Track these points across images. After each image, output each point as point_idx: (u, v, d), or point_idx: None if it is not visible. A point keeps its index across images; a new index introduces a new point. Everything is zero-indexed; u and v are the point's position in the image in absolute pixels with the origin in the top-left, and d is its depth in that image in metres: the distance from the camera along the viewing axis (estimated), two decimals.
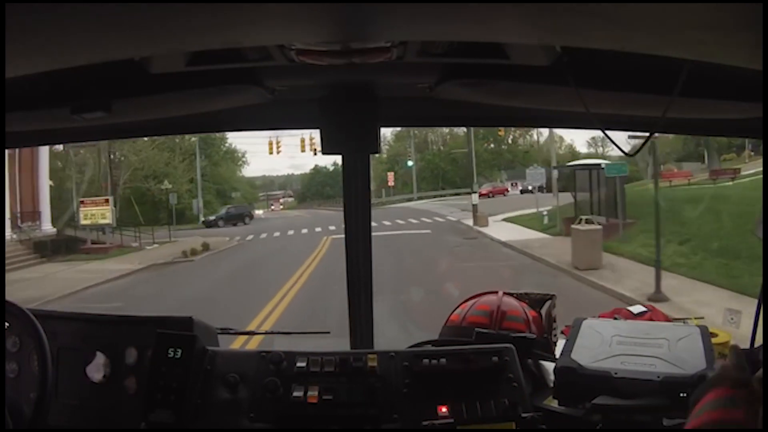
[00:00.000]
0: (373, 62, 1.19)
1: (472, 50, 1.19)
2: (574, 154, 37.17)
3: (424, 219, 25.16)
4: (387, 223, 23.40)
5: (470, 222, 20.99)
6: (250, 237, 23.93)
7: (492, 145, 41.22)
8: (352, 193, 1.74)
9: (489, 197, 30.89)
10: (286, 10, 0.75)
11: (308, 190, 45.79)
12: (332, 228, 21.90)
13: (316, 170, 45.49)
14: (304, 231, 24.03)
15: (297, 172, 49.62)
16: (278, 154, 29.71)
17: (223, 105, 1.56)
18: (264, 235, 24.14)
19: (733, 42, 0.82)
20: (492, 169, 39.15)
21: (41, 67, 0.96)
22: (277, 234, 24.41)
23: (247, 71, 1.33)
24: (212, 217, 30.38)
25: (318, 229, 23.59)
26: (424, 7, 0.74)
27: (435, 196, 37.91)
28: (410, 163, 39.45)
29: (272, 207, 42.26)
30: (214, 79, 1.32)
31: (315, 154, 30.10)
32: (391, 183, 38.16)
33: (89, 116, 1.35)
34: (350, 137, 1.59)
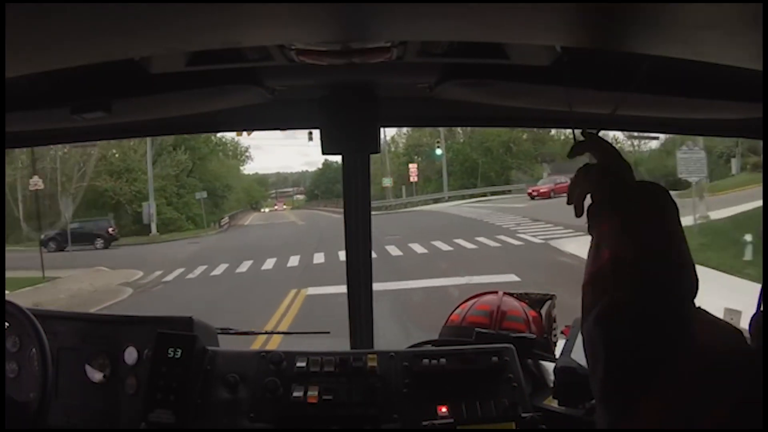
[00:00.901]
0: (373, 62, 1.19)
1: (472, 50, 1.19)
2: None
3: (481, 239, 14.48)
4: (396, 253, 13.64)
5: (574, 247, 11.38)
6: (176, 274, 13.92)
7: (524, 135, 31.46)
8: (352, 193, 1.75)
9: (548, 198, 22.69)
10: (286, 10, 0.75)
11: (317, 187, 41.67)
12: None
13: (326, 165, 40.57)
14: (293, 262, 14.12)
15: (311, 169, 45.99)
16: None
17: (223, 105, 1.56)
18: (198, 272, 13.88)
19: (733, 42, 0.82)
20: (532, 162, 31.24)
21: (41, 67, 0.96)
22: (223, 268, 13.96)
23: (247, 71, 1.32)
24: (45, 235, 19.10)
25: (318, 258, 14.26)
26: (424, 7, 0.74)
27: (470, 196, 29.83)
28: (439, 151, 30.80)
29: (275, 206, 39.99)
30: (214, 79, 1.32)
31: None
32: (414, 178, 30.40)
33: (89, 116, 1.34)
34: (350, 137, 1.59)
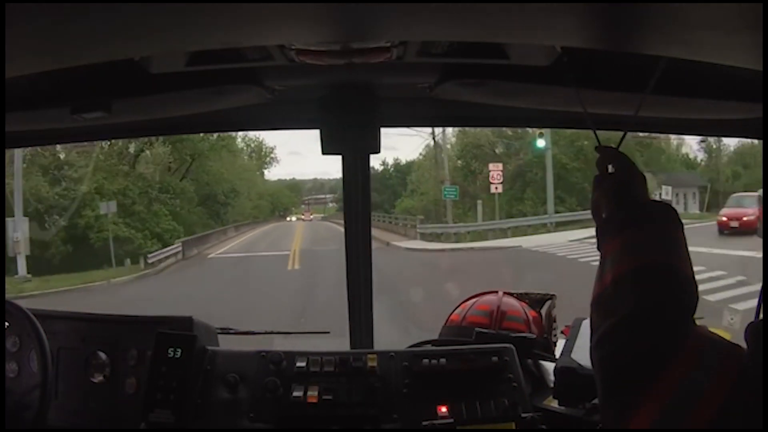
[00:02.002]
0: (373, 62, 1.19)
1: (472, 50, 1.19)
2: (689, 163, 22.38)
3: None
4: None
5: None
6: None
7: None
8: (353, 193, 1.75)
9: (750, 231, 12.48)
10: (286, 10, 0.75)
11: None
12: None
13: None
14: None
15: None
16: None
17: (223, 105, 1.56)
18: None
19: (733, 42, 0.82)
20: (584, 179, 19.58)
21: (41, 67, 0.96)
22: None
23: (247, 71, 1.33)
24: None
25: None
26: (424, 7, 0.74)
27: (574, 222, 16.97)
28: (542, 143, 18.69)
29: (302, 216, 34.63)
30: (214, 79, 1.32)
31: None
32: (496, 188, 18.62)
33: (89, 116, 1.35)
34: (350, 137, 1.59)
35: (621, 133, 1.12)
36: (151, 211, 19.08)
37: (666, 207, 0.94)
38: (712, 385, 0.75)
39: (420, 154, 25.50)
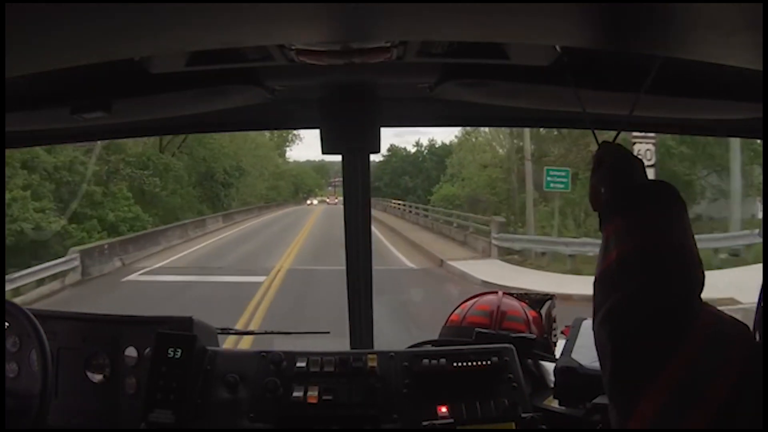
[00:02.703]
0: (373, 62, 1.19)
1: (472, 50, 1.19)
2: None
3: None
4: None
5: None
6: None
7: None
8: (352, 193, 1.75)
9: None
10: (285, 10, 0.75)
11: (380, 179, 28.70)
12: None
13: (393, 152, 29.70)
14: None
15: (377, 158, 35.32)
16: None
17: (223, 105, 1.56)
18: None
19: (733, 42, 0.82)
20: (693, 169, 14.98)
21: (41, 67, 0.96)
22: None
23: (247, 71, 1.33)
24: None
25: None
26: (424, 7, 0.74)
27: None
28: None
29: (327, 199, 32.35)
30: (214, 79, 1.32)
31: None
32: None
33: (89, 116, 1.35)
34: (350, 137, 1.59)
35: (622, 133, 1.13)
36: (109, 192, 14.40)
37: (666, 186, 0.94)
38: (723, 364, 0.75)
39: (462, 133, 22.09)
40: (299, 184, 31.23)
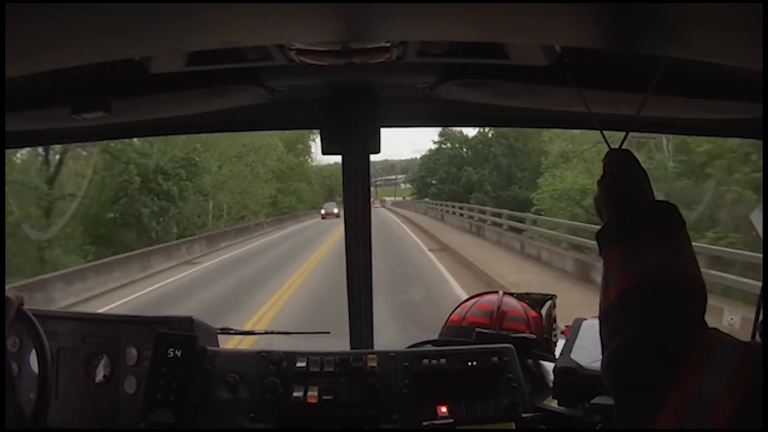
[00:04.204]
0: (373, 62, 1.19)
1: (472, 50, 1.19)
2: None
3: None
4: None
5: None
6: None
7: None
8: (352, 193, 1.75)
9: None
10: (286, 10, 0.75)
11: (423, 178, 25.74)
12: None
13: (439, 148, 24.97)
14: None
15: (418, 156, 33.16)
16: None
17: (223, 105, 1.56)
18: None
19: (733, 42, 0.82)
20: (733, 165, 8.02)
21: (41, 67, 0.96)
22: None
23: (247, 71, 1.33)
24: None
25: None
26: (424, 7, 0.74)
27: None
28: None
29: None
30: (214, 79, 1.32)
31: None
32: None
33: (89, 116, 1.35)
34: (350, 137, 1.59)
35: (621, 133, 1.12)
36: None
37: (665, 207, 0.93)
38: (725, 391, 0.74)
39: None
40: (334, 186, 25.62)
